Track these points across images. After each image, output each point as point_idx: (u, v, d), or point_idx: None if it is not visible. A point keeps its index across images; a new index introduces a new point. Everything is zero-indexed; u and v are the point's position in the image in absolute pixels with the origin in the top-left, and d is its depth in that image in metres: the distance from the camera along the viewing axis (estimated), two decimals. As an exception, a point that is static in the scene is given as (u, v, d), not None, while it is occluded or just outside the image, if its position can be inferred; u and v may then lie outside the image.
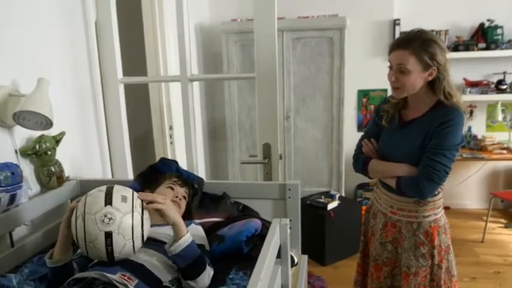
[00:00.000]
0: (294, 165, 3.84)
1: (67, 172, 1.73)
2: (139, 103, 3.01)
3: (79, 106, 1.92)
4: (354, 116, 4.15)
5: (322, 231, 3.22)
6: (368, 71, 4.01)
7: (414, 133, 1.69)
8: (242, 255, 1.32)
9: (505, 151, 3.80)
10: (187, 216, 1.53)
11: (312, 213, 3.21)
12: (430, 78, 1.63)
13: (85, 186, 1.74)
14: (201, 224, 1.48)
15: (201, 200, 1.63)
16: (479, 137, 3.99)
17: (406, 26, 3.89)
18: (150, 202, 1.19)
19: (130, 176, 2.14)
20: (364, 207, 3.77)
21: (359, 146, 1.92)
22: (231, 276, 1.19)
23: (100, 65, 2.03)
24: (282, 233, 1.23)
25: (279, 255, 1.24)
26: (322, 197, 3.40)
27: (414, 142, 1.68)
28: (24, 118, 1.43)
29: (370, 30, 3.96)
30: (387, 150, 1.80)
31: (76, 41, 1.91)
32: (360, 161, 1.87)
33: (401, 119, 1.78)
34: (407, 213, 1.76)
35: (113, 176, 2.15)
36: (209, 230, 1.47)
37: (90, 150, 2.02)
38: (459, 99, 1.67)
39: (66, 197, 1.69)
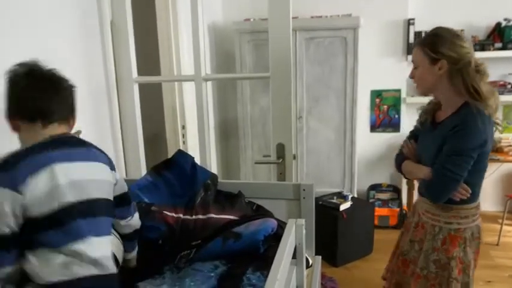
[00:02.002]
0: (306, 166, 3.83)
1: (82, 171, 1.75)
2: (152, 102, 3.03)
3: (94, 105, 1.94)
4: (367, 116, 4.12)
5: (334, 232, 3.20)
6: (381, 71, 3.98)
7: (437, 136, 1.68)
8: (257, 255, 1.32)
9: (521, 152, 3.74)
10: (202, 210, 1.53)
11: (324, 213, 3.20)
12: (441, 72, 1.63)
13: (100, 185, 1.76)
14: (217, 220, 1.48)
15: (216, 196, 1.64)
16: (495, 138, 3.93)
17: (420, 26, 3.85)
18: None
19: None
20: (376, 208, 3.76)
21: (402, 146, 1.95)
22: (247, 276, 1.19)
23: (115, 65, 2.05)
24: (297, 234, 1.22)
25: (294, 256, 1.23)
26: (335, 197, 3.38)
27: (435, 145, 1.67)
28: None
29: (384, 30, 3.92)
30: (420, 152, 1.82)
31: (92, 41, 1.92)
32: (398, 161, 1.91)
33: (433, 121, 1.78)
34: (431, 216, 1.75)
35: (126, 175, 2.16)
36: (224, 226, 1.47)
37: (104, 148, 1.99)
38: (486, 98, 1.58)
39: (82, 195, 1.70)
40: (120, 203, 1.27)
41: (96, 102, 1.95)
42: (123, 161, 2.14)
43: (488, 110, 1.59)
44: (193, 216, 1.52)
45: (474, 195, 1.69)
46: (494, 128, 1.64)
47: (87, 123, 1.85)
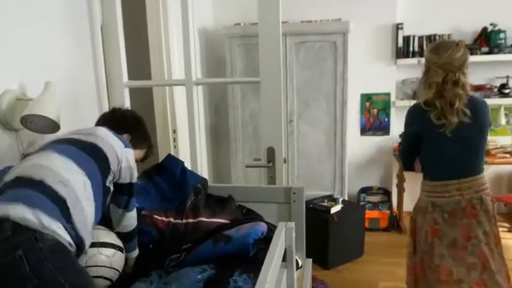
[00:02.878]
0: (297, 169, 3.84)
1: (72, 176, 1.74)
2: (142, 106, 3.02)
3: (85, 109, 1.94)
4: (357, 119, 4.16)
5: (325, 235, 3.22)
6: (371, 75, 4.02)
7: None
8: (247, 258, 1.33)
9: (508, 155, 3.78)
10: (192, 214, 1.54)
11: (315, 216, 3.21)
12: None
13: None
14: (208, 224, 1.49)
15: (207, 200, 1.65)
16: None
17: (409, 30, 3.90)
18: None
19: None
20: (367, 211, 3.78)
21: None
22: (234, 278, 1.20)
23: (106, 69, 2.05)
24: (287, 237, 1.24)
25: (284, 259, 1.24)
26: (326, 200, 3.40)
27: None
28: (32, 122, 1.44)
29: (373, 35, 3.96)
30: None
31: (82, 45, 1.92)
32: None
33: None
34: None
35: (117, 179, 2.15)
36: (215, 229, 1.48)
37: (95, 153, 2.03)
38: (419, 98, 2.09)
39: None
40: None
41: (86, 107, 1.95)
42: (113, 166, 2.14)
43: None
44: (184, 220, 1.53)
45: (428, 173, 2.09)
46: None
47: (76, 128, 1.84)
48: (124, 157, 1.29)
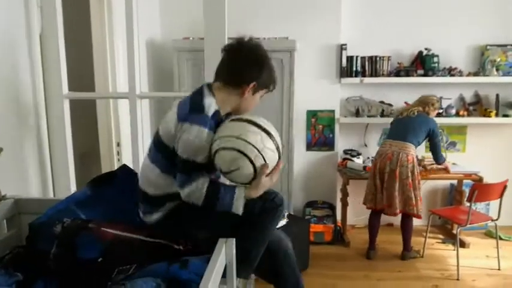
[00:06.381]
0: (244, 183, 3.84)
1: (3, 191, 1.64)
2: (85, 118, 2.92)
3: (19, 121, 1.84)
4: (303, 135, 4.26)
5: (271, 249, 3.23)
6: (317, 92, 4.15)
7: None
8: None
9: (442, 171, 4.02)
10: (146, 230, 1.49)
11: (261, 231, 3.22)
12: None
13: (22, 206, 1.66)
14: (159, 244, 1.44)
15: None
16: (420, 156, 4.20)
17: (352, 51, 4.09)
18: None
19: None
20: (312, 225, 3.86)
21: None
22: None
23: (44, 79, 1.96)
24: (227, 253, 1.23)
25: (224, 275, 1.24)
26: (272, 215, 3.42)
27: None
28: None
29: (318, 54, 4.11)
30: None
31: (18, 54, 1.83)
32: None
33: None
34: None
35: (54, 195, 2.05)
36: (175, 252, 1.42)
37: (29, 167, 1.92)
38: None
39: (1, 217, 1.59)
40: None
41: (21, 118, 1.85)
42: (50, 181, 2.04)
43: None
44: (135, 236, 1.45)
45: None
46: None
47: (10, 141, 1.74)
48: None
